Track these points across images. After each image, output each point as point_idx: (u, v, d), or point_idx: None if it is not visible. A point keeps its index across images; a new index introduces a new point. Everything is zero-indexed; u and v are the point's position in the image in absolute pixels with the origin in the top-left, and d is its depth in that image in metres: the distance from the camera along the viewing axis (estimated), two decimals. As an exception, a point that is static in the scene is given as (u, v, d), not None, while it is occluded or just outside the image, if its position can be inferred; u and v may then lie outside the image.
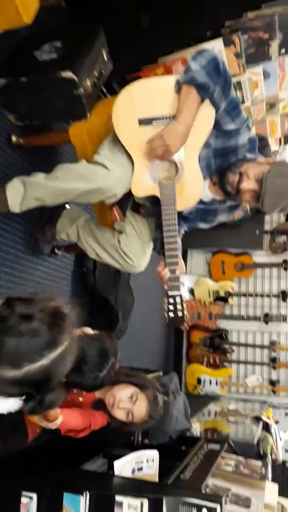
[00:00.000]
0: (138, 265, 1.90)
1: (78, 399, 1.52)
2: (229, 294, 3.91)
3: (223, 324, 4.05)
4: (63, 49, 1.70)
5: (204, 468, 1.54)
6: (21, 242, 1.97)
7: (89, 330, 1.50)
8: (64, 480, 1.29)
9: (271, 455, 2.39)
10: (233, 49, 2.01)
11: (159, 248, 1.75)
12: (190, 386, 3.91)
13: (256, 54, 2.06)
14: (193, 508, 1.18)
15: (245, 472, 1.71)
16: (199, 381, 3.87)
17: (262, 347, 3.94)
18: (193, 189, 1.61)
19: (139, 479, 1.41)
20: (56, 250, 2.17)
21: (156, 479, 1.45)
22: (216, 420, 3.07)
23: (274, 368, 3.86)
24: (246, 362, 3.95)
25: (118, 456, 1.42)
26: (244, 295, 3.98)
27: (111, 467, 1.39)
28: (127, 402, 1.46)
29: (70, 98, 1.64)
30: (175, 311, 1.60)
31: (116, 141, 1.58)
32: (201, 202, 1.71)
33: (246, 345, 3.97)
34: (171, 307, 1.59)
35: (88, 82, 1.69)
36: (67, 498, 1.21)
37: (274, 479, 1.94)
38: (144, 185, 1.59)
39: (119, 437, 1.69)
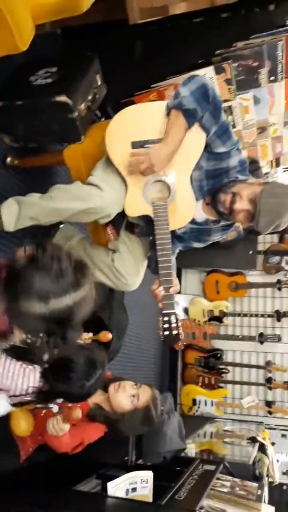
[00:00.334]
0: (132, 284, 1.92)
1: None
2: (223, 314, 3.92)
3: (218, 344, 4.04)
4: (58, 74, 1.75)
5: (199, 489, 1.53)
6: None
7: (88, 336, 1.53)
8: (57, 501, 1.27)
9: (267, 477, 2.36)
10: (224, 76, 2.08)
11: (154, 266, 1.77)
12: (185, 407, 3.87)
13: (246, 81, 2.14)
14: (187, 529, 1.16)
15: (240, 493, 1.70)
16: (194, 402, 3.84)
17: (257, 367, 3.92)
18: (186, 209, 1.65)
19: (133, 499, 1.40)
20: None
21: (150, 500, 1.44)
22: (212, 441, 3.03)
23: (270, 388, 3.83)
24: (241, 383, 3.93)
25: (112, 477, 1.41)
26: (239, 315, 3.98)
27: (104, 488, 1.37)
28: (132, 389, 1.51)
29: (64, 121, 1.69)
30: (170, 329, 1.60)
31: (109, 163, 1.62)
32: (195, 222, 1.74)
33: (241, 365, 3.95)
34: (166, 326, 1.60)
35: (83, 106, 1.74)
36: (60, 520, 1.19)
37: (271, 502, 1.92)
38: (137, 205, 1.63)
39: (114, 454, 1.68)
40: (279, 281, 3.84)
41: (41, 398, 1.29)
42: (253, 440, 2.76)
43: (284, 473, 3.14)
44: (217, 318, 3.93)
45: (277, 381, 3.81)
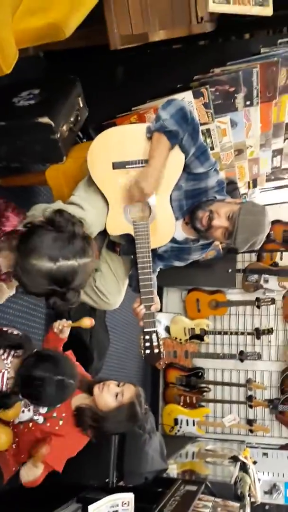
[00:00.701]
0: (114, 303, 1.93)
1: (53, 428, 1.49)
2: (204, 332, 3.94)
3: (199, 362, 4.04)
4: (41, 96, 1.78)
5: (181, 510, 1.52)
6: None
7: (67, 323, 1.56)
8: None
9: (249, 497, 2.35)
10: (202, 100, 2.16)
11: (135, 285, 1.78)
12: (167, 427, 3.84)
13: (223, 105, 2.22)
14: None
15: (222, 513, 1.68)
16: (176, 421, 3.81)
17: (238, 385, 3.94)
18: (166, 228, 1.68)
19: (114, 523, 1.38)
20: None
21: (132, 523, 1.41)
22: (194, 461, 3.01)
23: (251, 406, 3.85)
24: (222, 401, 3.93)
25: (93, 500, 1.38)
26: (219, 333, 4.01)
27: (85, 511, 1.35)
28: (116, 387, 1.52)
29: (47, 142, 1.71)
30: (151, 348, 1.62)
31: (91, 183, 1.64)
32: (175, 241, 1.78)
33: (222, 383, 3.96)
34: (147, 344, 1.61)
35: (65, 128, 1.76)
36: None
37: (253, 522, 1.90)
38: (118, 224, 1.65)
39: (95, 475, 1.65)
40: (258, 299, 3.91)
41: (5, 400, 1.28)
42: (234, 459, 2.75)
43: (266, 493, 3.13)
44: (198, 337, 3.95)
45: (257, 399, 3.83)
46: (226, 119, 2.28)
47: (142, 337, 1.62)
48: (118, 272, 1.92)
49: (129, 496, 1.46)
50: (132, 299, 1.69)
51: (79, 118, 1.89)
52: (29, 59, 2.00)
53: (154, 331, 1.62)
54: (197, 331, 3.93)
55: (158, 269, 1.91)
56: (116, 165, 1.60)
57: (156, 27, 1.82)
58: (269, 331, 3.86)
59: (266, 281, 4.00)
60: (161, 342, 1.63)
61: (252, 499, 2.46)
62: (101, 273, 1.88)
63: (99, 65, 2.24)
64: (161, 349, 1.62)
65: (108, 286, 1.89)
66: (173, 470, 2.38)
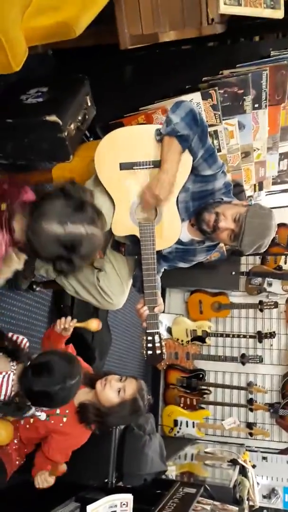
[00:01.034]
0: (117, 303, 1.92)
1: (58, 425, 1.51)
2: (206, 334, 3.93)
3: (201, 364, 4.04)
4: (49, 94, 1.78)
5: (180, 513, 1.51)
6: None
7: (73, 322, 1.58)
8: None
9: (248, 500, 2.35)
10: (210, 102, 2.15)
11: (139, 286, 1.78)
12: (166, 428, 3.83)
13: (232, 107, 2.21)
14: None
15: (221, 517, 1.68)
16: (176, 423, 3.80)
17: (239, 388, 3.92)
18: (172, 230, 1.68)
19: (112, 523, 1.37)
20: (34, 286, 2.18)
21: (130, 524, 1.41)
22: (193, 463, 3.00)
23: (251, 410, 3.83)
24: (223, 404, 3.92)
25: (91, 500, 1.38)
26: (221, 335, 4.00)
27: (84, 511, 1.35)
28: (118, 383, 1.54)
29: (54, 140, 1.71)
30: (153, 349, 1.62)
31: (97, 183, 1.64)
32: (180, 242, 1.77)
33: (223, 386, 3.95)
34: (149, 345, 1.62)
35: (72, 126, 1.76)
36: None
37: (251, 526, 1.90)
38: (124, 225, 1.65)
39: (95, 475, 1.65)
40: (261, 302, 3.89)
41: (17, 405, 1.28)
42: (234, 462, 2.75)
43: (264, 497, 3.12)
44: (200, 338, 3.94)
45: (258, 403, 3.82)
46: (234, 121, 2.27)
47: (144, 337, 1.62)
48: (122, 272, 1.91)
49: (128, 497, 1.46)
50: (135, 299, 1.69)
51: (86, 117, 1.89)
52: (38, 57, 2.00)
53: (157, 332, 1.62)
54: (199, 333, 3.92)
55: (162, 270, 1.90)
56: (124, 166, 1.60)
57: (166, 27, 1.81)
58: (271, 335, 3.84)
59: (270, 284, 4.00)
60: (163, 343, 1.63)
61: (251, 503, 2.45)
62: (105, 273, 1.88)
63: (108, 64, 2.23)
64: (163, 350, 1.62)
65: (112, 286, 1.89)
66: (172, 471, 2.37)
